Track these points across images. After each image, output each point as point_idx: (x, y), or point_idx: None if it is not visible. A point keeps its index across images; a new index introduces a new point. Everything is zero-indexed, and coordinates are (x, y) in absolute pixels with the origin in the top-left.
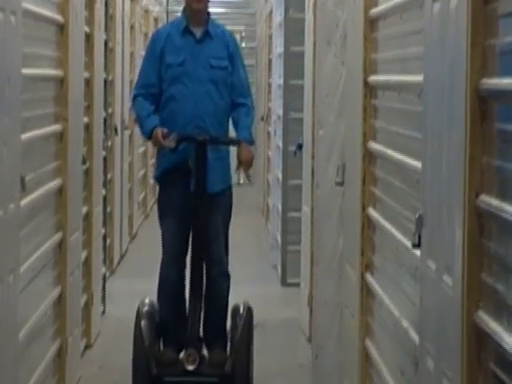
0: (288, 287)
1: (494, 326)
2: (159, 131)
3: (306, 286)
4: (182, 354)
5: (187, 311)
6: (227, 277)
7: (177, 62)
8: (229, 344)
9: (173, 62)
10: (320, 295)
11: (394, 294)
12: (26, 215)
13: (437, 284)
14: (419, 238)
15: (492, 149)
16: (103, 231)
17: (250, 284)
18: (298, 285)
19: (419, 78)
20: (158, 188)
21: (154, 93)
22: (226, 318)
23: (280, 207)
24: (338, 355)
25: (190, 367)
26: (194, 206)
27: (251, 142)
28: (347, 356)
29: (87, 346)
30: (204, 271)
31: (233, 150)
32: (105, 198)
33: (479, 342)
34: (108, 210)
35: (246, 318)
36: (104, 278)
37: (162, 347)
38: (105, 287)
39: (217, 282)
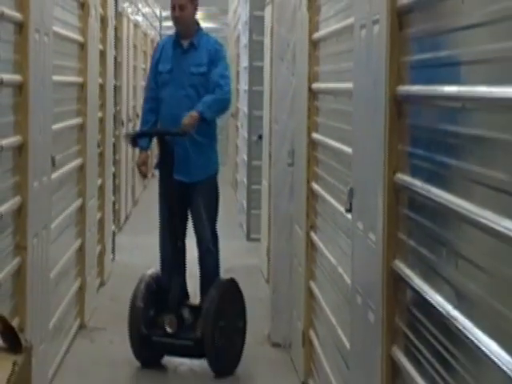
0: (251, 241)
1: (406, 271)
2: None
3: (264, 241)
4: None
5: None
6: (211, 252)
7: (166, 70)
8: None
9: (163, 69)
10: (276, 247)
11: (332, 248)
12: (55, 185)
13: (364, 240)
14: (350, 205)
15: (405, 139)
16: (113, 198)
17: (222, 239)
18: (259, 240)
19: (350, 85)
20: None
21: (154, 96)
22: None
23: (246, 181)
24: (289, 293)
25: (169, 330)
26: (178, 191)
27: (200, 113)
28: (296, 294)
29: (101, 284)
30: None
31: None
32: (114, 174)
33: (395, 283)
34: (116, 182)
35: (217, 289)
36: (113, 234)
37: (154, 312)
38: (114, 240)
39: (202, 257)
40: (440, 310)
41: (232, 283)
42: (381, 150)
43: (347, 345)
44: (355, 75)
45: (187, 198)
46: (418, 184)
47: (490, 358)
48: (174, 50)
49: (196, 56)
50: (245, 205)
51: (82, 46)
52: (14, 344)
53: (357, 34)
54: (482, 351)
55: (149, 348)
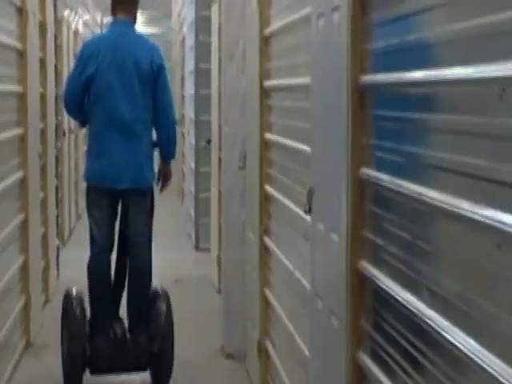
0: (200, 251)
1: (373, 271)
2: None
3: (214, 250)
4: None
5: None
6: (143, 271)
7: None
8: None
9: None
10: (227, 255)
11: (288, 252)
12: None
13: (325, 241)
14: (310, 206)
15: (369, 131)
16: (56, 212)
17: (169, 250)
18: (208, 249)
19: (305, 80)
20: None
21: None
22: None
23: (193, 189)
24: (242, 302)
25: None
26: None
27: None
28: (250, 302)
29: (46, 301)
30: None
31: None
32: (57, 187)
33: (361, 284)
34: (59, 195)
35: (166, 302)
36: (58, 249)
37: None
38: (58, 256)
39: (133, 275)
40: (412, 309)
41: (166, 293)
42: (343, 144)
43: (306, 352)
44: (313, 68)
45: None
46: (385, 178)
47: (469, 358)
48: None
49: None
50: (192, 214)
51: (22, 54)
52: None
53: (314, 24)
54: (461, 350)
55: (92, 367)
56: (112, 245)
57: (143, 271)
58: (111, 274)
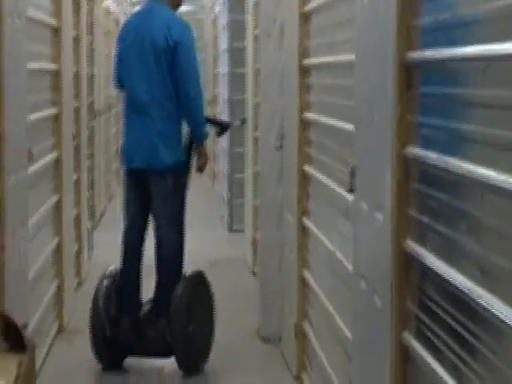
0: (233, 233)
1: (419, 250)
2: None
3: (249, 231)
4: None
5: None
6: (164, 255)
7: None
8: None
9: None
10: (264, 237)
11: (328, 232)
12: (32, 180)
13: (369, 220)
14: (352, 185)
15: (415, 109)
16: (88, 194)
17: (202, 232)
18: (241, 231)
19: (349, 57)
20: None
21: None
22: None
23: (227, 170)
24: (279, 284)
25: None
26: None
27: None
28: (287, 284)
29: (79, 284)
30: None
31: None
32: (89, 168)
33: (406, 264)
34: (91, 177)
35: (185, 286)
36: (90, 231)
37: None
38: (91, 238)
39: (156, 258)
40: (461, 288)
41: (190, 279)
42: (388, 122)
43: (347, 334)
44: (358, 45)
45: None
46: (431, 156)
47: None
48: None
49: None
50: (226, 195)
51: (56, 31)
52: (17, 343)
53: (359, 0)
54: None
55: (113, 349)
56: (141, 226)
57: (164, 255)
58: (139, 255)
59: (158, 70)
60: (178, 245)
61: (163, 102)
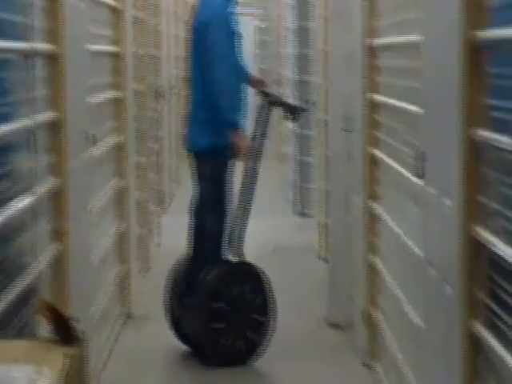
0: (301, 217)
1: (489, 238)
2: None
3: (318, 215)
4: None
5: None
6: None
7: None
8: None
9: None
10: (334, 221)
11: (396, 217)
12: (94, 165)
13: (437, 206)
14: (421, 169)
15: (484, 90)
16: (155, 178)
17: (269, 216)
18: (309, 215)
19: (416, 37)
20: None
21: None
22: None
23: (295, 152)
24: (347, 269)
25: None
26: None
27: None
28: (355, 269)
29: (147, 270)
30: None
31: None
32: (157, 152)
33: (476, 251)
34: (159, 161)
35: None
36: (158, 216)
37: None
38: (159, 223)
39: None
40: None
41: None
42: (455, 104)
43: (418, 322)
44: (425, 24)
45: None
46: (503, 140)
47: None
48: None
49: None
50: (293, 178)
51: (118, 13)
52: (68, 336)
53: None
54: None
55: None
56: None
57: (204, 236)
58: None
59: (197, 53)
60: (213, 229)
61: (199, 86)
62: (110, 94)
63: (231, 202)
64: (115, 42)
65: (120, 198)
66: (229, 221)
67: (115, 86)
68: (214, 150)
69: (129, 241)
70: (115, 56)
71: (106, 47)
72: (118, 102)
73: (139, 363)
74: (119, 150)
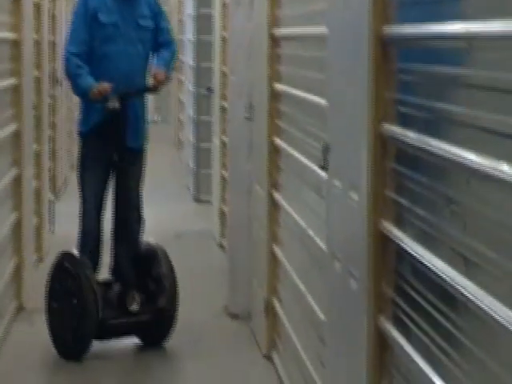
0: (200, 203)
1: (396, 233)
2: (102, 88)
3: (216, 202)
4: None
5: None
6: (142, 222)
7: (110, 22)
8: (155, 281)
9: (106, 21)
10: (233, 209)
11: (299, 208)
12: None
13: (343, 200)
14: (325, 161)
15: (392, 85)
16: (49, 164)
17: (167, 202)
18: (208, 202)
19: (321, 29)
20: (81, 142)
21: (86, 51)
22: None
23: (193, 139)
24: (248, 259)
25: (135, 308)
26: (119, 160)
27: (166, 71)
28: (257, 259)
29: (40, 260)
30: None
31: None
32: (51, 138)
33: (383, 246)
34: (53, 147)
35: (166, 257)
36: (52, 204)
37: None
38: (53, 211)
39: (133, 226)
40: (437, 272)
41: (164, 250)
42: (364, 98)
43: (320, 315)
44: (330, 17)
45: (122, 166)
46: (410, 135)
47: (498, 322)
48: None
49: (139, 7)
50: (192, 164)
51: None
52: None
53: None
54: (489, 315)
55: (103, 333)
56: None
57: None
58: None
59: None
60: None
61: None
62: (8, 82)
63: None
64: (13, 28)
65: (16, 187)
66: None
67: (13, 73)
68: None
69: (23, 231)
70: (13, 43)
71: (3, 34)
72: (15, 90)
73: (30, 359)
74: (16, 138)
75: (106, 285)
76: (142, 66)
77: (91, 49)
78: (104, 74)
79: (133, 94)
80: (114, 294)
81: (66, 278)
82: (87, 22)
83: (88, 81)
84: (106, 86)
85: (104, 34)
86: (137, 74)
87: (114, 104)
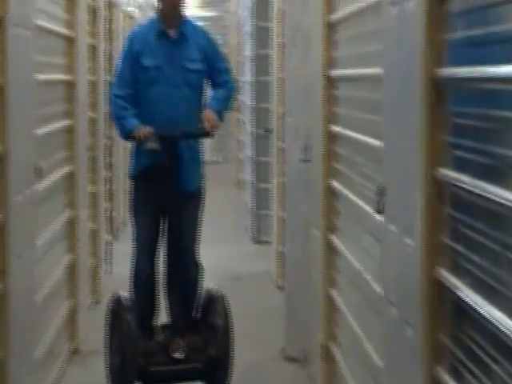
0: (259, 244)
1: (452, 281)
2: (143, 131)
3: (275, 244)
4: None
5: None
6: (198, 267)
7: (154, 65)
8: (208, 328)
9: (150, 64)
10: (291, 252)
11: (356, 252)
12: (41, 197)
13: (399, 245)
14: (381, 205)
15: (446, 128)
16: (106, 205)
17: (226, 243)
18: (267, 242)
19: (376, 70)
20: (132, 185)
21: (132, 93)
22: (193, 306)
23: (252, 180)
24: (306, 302)
25: (178, 355)
26: (170, 203)
27: (218, 112)
28: (314, 302)
29: (96, 302)
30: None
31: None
32: (109, 179)
33: (439, 294)
34: (111, 187)
35: (223, 304)
36: (109, 244)
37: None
38: (110, 251)
39: (186, 272)
40: (496, 324)
41: (223, 295)
42: (418, 141)
43: (377, 361)
44: (385, 58)
45: (174, 210)
46: (466, 180)
47: None
48: (161, 42)
49: (188, 49)
50: (251, 205)
51: (70, 41)
52: None
53: (386, 12)
54: None
55: (147, 379)
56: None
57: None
58: None
59: None
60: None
61: None
62: (62, 124)
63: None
64: (67, 70)
65: (71, 229)
66: None
67: (68, 114)
68: None
69: (79, 273)
70: (68, 84)
71: (57, 76)
72: (69, 131)
73: None
74: (70, 180)
75: (158, 330)
76: (189, 109)
77: (137, 91)
78: (147, 117)
79: (177, 137)
80: (162, 341)
81: (113, 321)
82: (132, 64)
83: (131, 122)
84: (147, 129)
85: (148, 77)
86: (182, 116)
87: (153, 145)
